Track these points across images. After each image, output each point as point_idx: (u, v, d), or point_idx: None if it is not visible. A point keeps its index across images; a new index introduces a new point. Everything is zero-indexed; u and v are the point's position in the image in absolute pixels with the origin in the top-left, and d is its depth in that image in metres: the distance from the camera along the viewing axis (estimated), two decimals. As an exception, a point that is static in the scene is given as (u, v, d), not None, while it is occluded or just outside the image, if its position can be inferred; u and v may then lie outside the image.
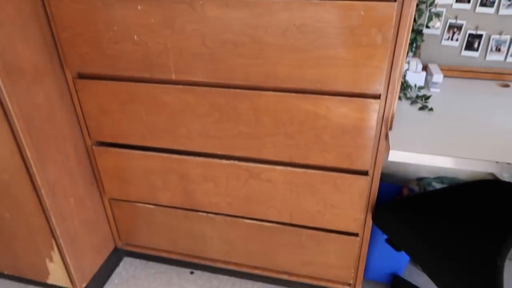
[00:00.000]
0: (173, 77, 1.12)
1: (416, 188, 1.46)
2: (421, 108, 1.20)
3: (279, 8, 0.96)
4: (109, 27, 1.08)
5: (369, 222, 1.25)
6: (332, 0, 0.93)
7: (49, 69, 1.14)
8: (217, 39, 1.03)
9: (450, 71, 1.41)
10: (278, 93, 1.08)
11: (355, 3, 0.92)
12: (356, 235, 1.30)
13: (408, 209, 1.19)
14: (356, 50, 0.97)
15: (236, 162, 1.24)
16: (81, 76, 1.22)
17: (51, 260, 1.35)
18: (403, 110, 1.20)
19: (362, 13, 0.92)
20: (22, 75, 1.05)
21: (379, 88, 1.01)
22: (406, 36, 0.95)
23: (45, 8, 1.11)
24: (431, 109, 1.19)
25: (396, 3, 0.90)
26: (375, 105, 1.03)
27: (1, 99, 1.02)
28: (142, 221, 1.50)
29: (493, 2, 1.29)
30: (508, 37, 1.34)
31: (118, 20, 1.07)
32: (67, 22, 1.11)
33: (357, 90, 1.03)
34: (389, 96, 1.02)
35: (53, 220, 1.23)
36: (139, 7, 1.04)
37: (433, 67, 1.35)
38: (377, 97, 1.03)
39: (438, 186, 1.44)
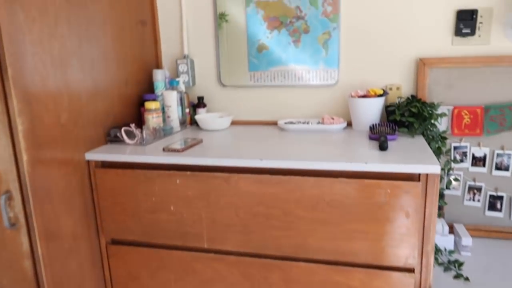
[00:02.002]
0: (205, 245, 1.14)
1: None
2: (456, 277, 1.17)
3: (309, 185, 1.02)
4: (148, 198, 1.15)
5: None
6: (359, 179, 0.99)
7: (85, 236, 1.18)
8: (249, 211, 1.08)
9: (476, 231, 1.41)
10: (310, 264, 1.08)
11: (381, 182, 0.98)
12: None
13: None
14: (385, 225, 1.00)
15: (265, 334, 1.17)
16: (115, 242, 1.25)
17: None
18: (438, 278, 1.17)
19: (389, 191, 0.98)
20: (61, 245, 1.09)
21: (412, 262, 1.00)
22: (433, 211, 0.98)
23: (90, 179, 1.20)
24: (467, 279, 1.16)
25: (420, 183, 0.96)
26: (410, 279, 1.01)
27: (37, 271, 1.03)
28: None
29: (508, 166, 1.36)
30: (529, 199, 1.37)
31: (157, 192, 1.14)
32: (109, 192, 1.19)
33: (390, 263, 1.02)
34: (423, 270, 1.01)
35: None
36: (178, 181, 1.12)
37: (460, 229, 1.36)
38: (411, 270, 1.02)
39: None
